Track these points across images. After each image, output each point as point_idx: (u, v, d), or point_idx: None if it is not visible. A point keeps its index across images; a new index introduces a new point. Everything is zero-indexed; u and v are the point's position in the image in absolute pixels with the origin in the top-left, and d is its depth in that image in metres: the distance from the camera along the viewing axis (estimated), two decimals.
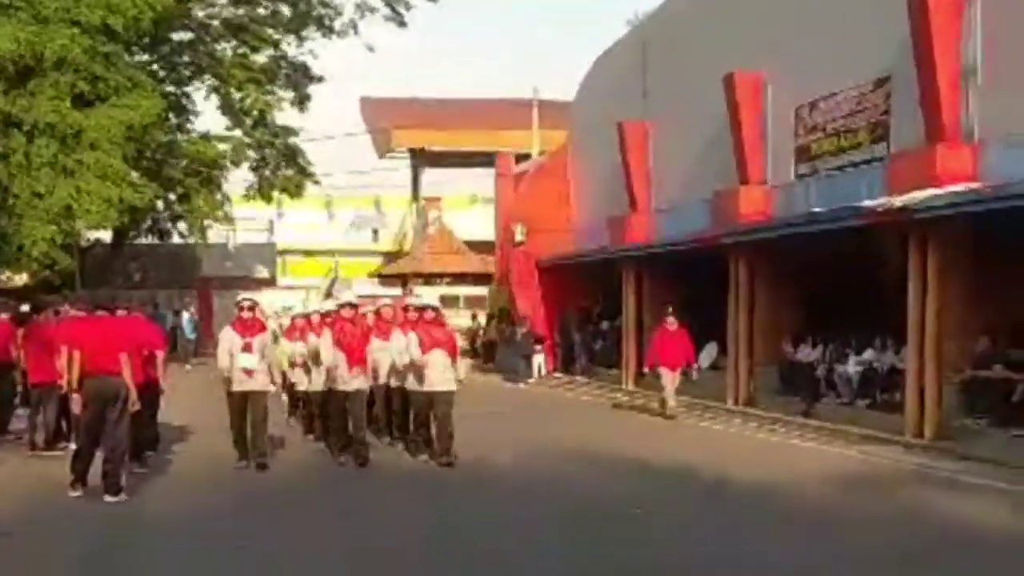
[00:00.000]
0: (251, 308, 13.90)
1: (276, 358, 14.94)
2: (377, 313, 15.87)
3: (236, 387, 13.50)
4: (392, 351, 14.61)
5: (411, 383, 14.24)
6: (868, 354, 18.74)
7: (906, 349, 16.90)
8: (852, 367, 18.77)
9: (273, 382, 14.11)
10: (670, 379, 20.24)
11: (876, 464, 14.71)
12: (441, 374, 13.89)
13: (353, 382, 14.00)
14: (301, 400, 16.99)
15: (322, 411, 15.29)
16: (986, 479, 13.07)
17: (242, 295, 14.67)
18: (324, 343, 14.32)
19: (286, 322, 18.38)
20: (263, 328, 14.09)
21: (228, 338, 13.65)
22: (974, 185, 15.96)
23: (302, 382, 16.11)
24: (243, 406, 13.51)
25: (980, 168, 16.33)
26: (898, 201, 16.58)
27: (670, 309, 20.82)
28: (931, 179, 16.43)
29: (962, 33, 16.76)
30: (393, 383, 15.10)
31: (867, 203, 17.43)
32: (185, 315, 37.74)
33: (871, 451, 15.62)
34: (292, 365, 16.34)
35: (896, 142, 18.44)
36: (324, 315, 15.73)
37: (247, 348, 13.45)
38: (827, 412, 18.69)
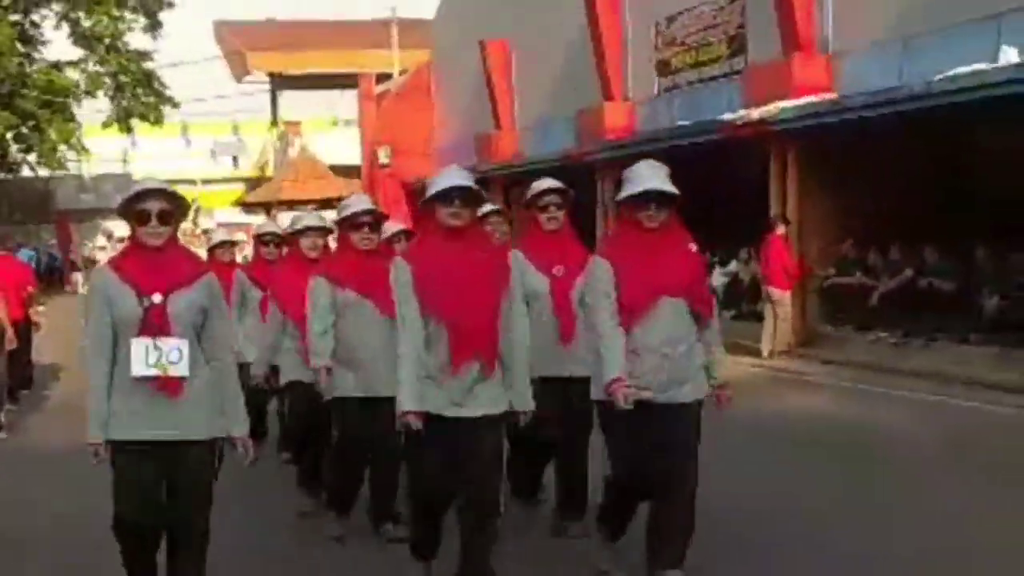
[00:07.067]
0: (165, 218, 4.91)
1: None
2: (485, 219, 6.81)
3: (130, 432, 4.89)
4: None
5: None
6: (733, 266, 19.29)
7: None
8: (718, 279, 19.22)
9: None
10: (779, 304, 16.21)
11: (742, 371, 15.21)
12: (674, 362, 5.59)
13: (476, 401, 5.37)
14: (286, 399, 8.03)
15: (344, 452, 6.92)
16: (843, 380, 14.04)
17: (145, 184, 5.02)
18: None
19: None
20: (199, 269, 5.16)
21: (104, 299, 4.91)
22: (830, 96, 16.42)
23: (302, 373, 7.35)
24: (151, 488, 4.95)
25: (836, 79, 16.79)
26: (755, 114, 16.96)
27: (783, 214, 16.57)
28: (788, 91, 16.80)
29: None
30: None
31: (727, 116, 17.80)
32: (23, 251, 32.83)
33: (737, 360, 16.05)
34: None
35: (754, 55, 18.82)
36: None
37: (157, 324, 4.85)
38: None
